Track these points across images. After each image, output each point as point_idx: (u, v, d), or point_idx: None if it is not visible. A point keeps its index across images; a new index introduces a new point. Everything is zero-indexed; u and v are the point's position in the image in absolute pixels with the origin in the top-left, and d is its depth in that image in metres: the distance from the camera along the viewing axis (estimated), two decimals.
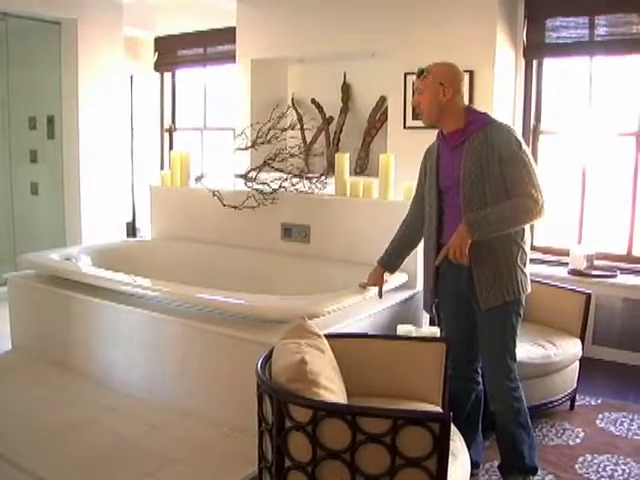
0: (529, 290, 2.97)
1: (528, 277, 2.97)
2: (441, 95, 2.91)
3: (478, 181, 2.85)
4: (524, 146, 2.87)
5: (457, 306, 3.08)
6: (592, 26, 5.15)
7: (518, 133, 2.93)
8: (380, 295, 3.54)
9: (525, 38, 5.44)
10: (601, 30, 5.15)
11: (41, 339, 4.27)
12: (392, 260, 3.41)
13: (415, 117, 5.44)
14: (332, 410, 2.18)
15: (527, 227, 2.95)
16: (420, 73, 2.97)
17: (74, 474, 2.83)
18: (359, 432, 2.12)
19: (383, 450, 2.12)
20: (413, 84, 3.05)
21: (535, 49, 5.44)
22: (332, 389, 2.33)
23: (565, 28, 5.31)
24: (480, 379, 3.15)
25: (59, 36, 6.17)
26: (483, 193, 2.85)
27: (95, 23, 6.18)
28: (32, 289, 4.32)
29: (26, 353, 4.31)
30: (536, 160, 5.50)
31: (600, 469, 3.27)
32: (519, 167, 2.81)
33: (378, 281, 3.48)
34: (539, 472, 3.10)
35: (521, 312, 2.98)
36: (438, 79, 2.92)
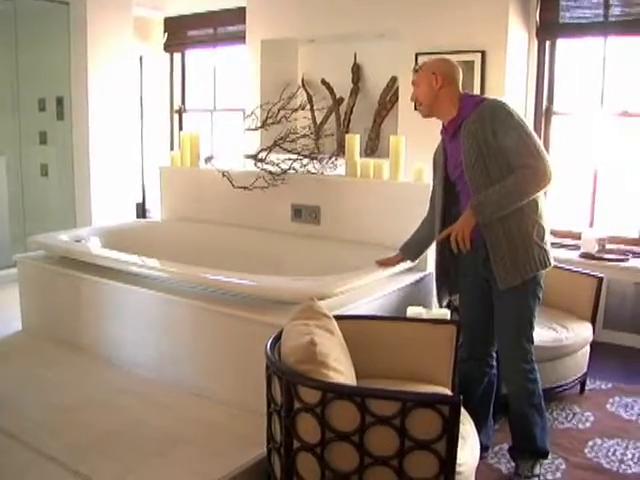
0: (552, 264, 2.94)
1: (548, 251, 2.92)
2: (433, 83, 2.98)
3: (480, 163, 2.83)
4: (516, 115, 2.83)
5: (474, 287, 3.06)
6: (607, 6, 5.07)
7: (510, 105, 2.89)
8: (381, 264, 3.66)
9: (538, 18, 5.37)
10: (615, 10, 5.08)
11: (51, 320, 4.27)
12: (411, 248, 3.57)
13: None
14: (341, 392, 2.17)
15: (541, 199, 2.90)
16: (417, 68, 3.09)
17: (85, 454, 2.84)
18: (368, 414, 2.12)
19: (392, 432, 2.11)
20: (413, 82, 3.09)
21: (548, 29, 5.38)
22: (341, 371, 2.32)
23: (579, 8, 5.23)
24: (494, 363, 3.13)
25: (68, 16, 6.13)
26: (487, 174, 2.83)
27: (104, 3, 6.13)
28: (42, 270, 4.32)
29: (36, 334, 4.32)
30: (548, 141, 5.45)
31: (610, 453, 3.26)
32: (514, 139, 2.78)
33: (387, 262, 3.64)
34: (549, 456, 3.09)
35: (539, 294, 2.96)
36: (430, 70, 3.01)
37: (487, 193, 2.80)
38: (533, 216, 2.87)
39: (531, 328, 2.97)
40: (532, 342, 2.98)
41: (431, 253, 3.98)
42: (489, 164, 2.82)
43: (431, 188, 3.33)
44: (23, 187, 6.47)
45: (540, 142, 2.81)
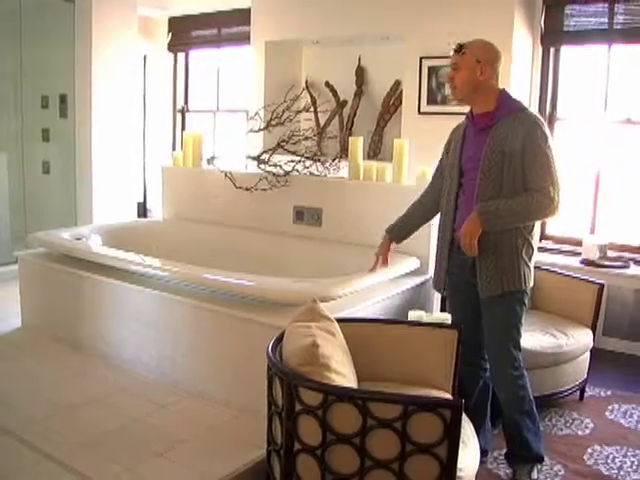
0: (531, 284, 2.95)
1: (532, 271, 2.94)
2: (478, 73, 2.84)
3: (497, 169, 2.80)
4: (550, 141, 2.81)
5: (464, 293, 3.05)
6: (611, 14, 5.07)
7: (546, 126, 2.87)
8: (385, 262, 3.46)
9: (543, 25, 5.37)
10: (619, 18, 5.08)
11: (51, 317, 4.27)
12: (400, 229, 3.37)
13: (430, 102, 5.43)
14: (343, 394, 2.17)
15: (537, 222, 2.92)
16: (459, 48, 2.89)
17: (83, 453, 2.84)
18: (369, 417, 2.11)
19: (393, 436, 2.11)
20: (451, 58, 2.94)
21: (553, 36, 5.38)
22: (343, 373, 2.32)
23: (584, 16, 5.23)
24: (488, 366, 3.12)
25: (73, 14, 6.13)
26: (500, 182, 2.81)
27: (109, 1, 6.14)
28: (42, 268, 4.31)
29: (36, 331, 4.32)
30: None
31: (609, 460, 3.26)
32: (541, 162, 2.76)
33: (384, 250, 3.43)
34: (547, 462, 3.09)
35: (525, 301, 2.95)
36: (475, 56, 2.85)
37: (498, 205, 2.78)
38: (526, 235, 2.88)
39: (518, 334, 2.96)
40: (519, 349, 2.97)
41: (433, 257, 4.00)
42: (505, 174, 2.79)
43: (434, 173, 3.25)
44: (24, 184, 6.45)
45: (559, 174, 2.80)
